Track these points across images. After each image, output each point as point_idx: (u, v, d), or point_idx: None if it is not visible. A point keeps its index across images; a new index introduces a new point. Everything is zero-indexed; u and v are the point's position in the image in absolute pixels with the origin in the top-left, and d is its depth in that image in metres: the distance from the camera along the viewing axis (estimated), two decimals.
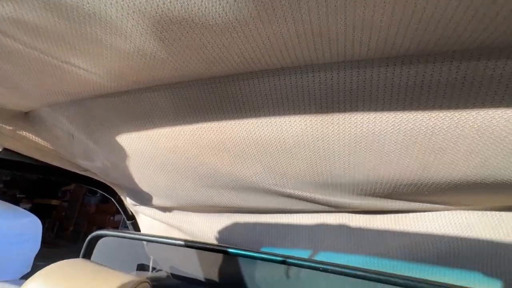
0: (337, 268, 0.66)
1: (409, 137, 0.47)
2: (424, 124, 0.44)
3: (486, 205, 0.67)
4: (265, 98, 0.50)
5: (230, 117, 0.55)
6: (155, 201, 0.93)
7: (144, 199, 0.95)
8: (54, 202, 6.16)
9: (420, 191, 0.60)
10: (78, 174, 0.99)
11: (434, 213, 0.73)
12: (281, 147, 0.57)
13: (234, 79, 0.49)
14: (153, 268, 1.33)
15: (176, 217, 1.01)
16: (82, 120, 0.68)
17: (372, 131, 0.48)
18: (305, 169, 0.61)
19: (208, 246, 0.82)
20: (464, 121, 0.41)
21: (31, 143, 0.82)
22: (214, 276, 1.01)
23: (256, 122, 0.54)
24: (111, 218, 5.60)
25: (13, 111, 0.71)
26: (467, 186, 0.54)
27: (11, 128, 0.75)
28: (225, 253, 0.78)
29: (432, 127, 0.43)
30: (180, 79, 0.50)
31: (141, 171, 0.79)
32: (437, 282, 0.61)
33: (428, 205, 0.69)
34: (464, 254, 0.68)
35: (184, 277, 1.12)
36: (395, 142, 0.48)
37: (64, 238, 5.65)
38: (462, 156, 0.47)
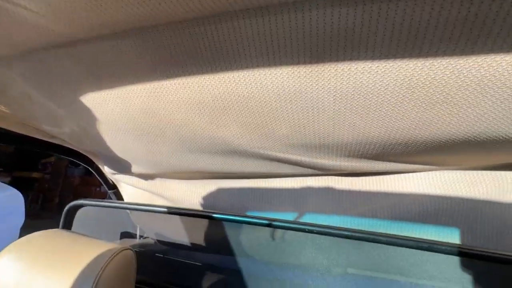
0: (322, 229, 0.66)
1: (404, 91, 0.43)
2: (423, 75, 0.39)
3: (470, 164, 0.67)
4: (246, 45, 0.43)
5: (204, 70, 0.49)
6: (134, 168, 0.88)
7: (123, 166, 0.90)
8: (35, 175, 5.96)
9: (408, 151, 0.58)
10: (47, 141, 0.91)
11: (418, 173, 0.73)
12: (263, 104, 0.52)
13: (210, 21, 0.41)
14: (140, 236, 1.33)
15: (158, 184, 0.97)
16: (36, 77, 0.59)
17: (366, 85, 0.43)
18: (289, 129, 0.56)
19: (192, 212, 0.79)
20: (468, 69, 0.37)
21: None
22: (201, 241, 1.02)
23: (235, 76, 0.48)
24: (97, 189, 5.53)
25: None
26: (457, 144, 0.52)
27: None
28: (211, 218, 0.77)
29: (432, 78, 0.39)
30: (144, 22, 0.42)
31: (115, 136, 0.72)
32: (417, 238, 0.63)
33: (414, 166, 0.69)
34: (446, 212, 0.70)
35: (171, 243, 1.12)
36: (389, 97, 0.44)
37: (50, 209, 5.59)
38: (458, 110, 0.44)
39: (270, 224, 0.71)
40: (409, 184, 0.73)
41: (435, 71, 0.38)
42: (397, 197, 0.74)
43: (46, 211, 5.52)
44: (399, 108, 0.46)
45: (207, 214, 0.77)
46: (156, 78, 0.53)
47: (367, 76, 0.42)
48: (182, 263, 1.02)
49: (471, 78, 0.38)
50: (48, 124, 0.76)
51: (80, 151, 1.00)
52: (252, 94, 0.50)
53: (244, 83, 0.49)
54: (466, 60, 0.36)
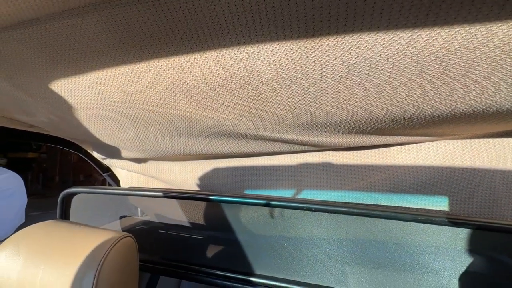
0: (320, 206, 0.65)
1: (413, 65, 0.37)
2: (437, 46, 0.34)
3: (471, 133, 0.64)
4: (231, 20, 0.36)
5: (187, 50, 0.42)
6: (124, 153, 0.84)
7: (112, 152, 0.86)
8: (31, 155, 5.92)
9: (411, 125, 0.55)
10: (29, 131, 0.85)
11: (417, 144, 0.70)
12: (255, 85, 0.46)
13: None
14: (142, 213, 1.35)
15: (152, 166, 0.94)
16: None
17: (369, 58, 0.38)
18: (286, 109, 0.52)
19: (190, 195, 0.78)
20: (490, 38, 0.31)
21: None
22: (201, 220, 1.03)
23: (222, 54, 0.42)
24: None
25: None
26: (464, 116, 0.48)
27: None
28: (208, 200, 0.76)
29: (446, 49, 0.34)
30: None
31: (96, 123, 0.67)
32: (415, 210, 0.63)
33: (414, 138, 0.66)
34: (445, 181, 0.69)
35: (171, 220, 1.14)
36: (395, 71, 0.39)
37: (53, 188, 5.68)
38: (471, 83, 0.39)
39: (268, 204, 0.70)
40: (407, 156, 0.71)
41: (450, 42, 0.33)
42: (395, 169, 0.72)
43: (49, 190, 5.61)
44: (405, 83, 0.41)
45: (204, 196, 0.76)
46: (130, 60, 0.47)
47: (371, 49, 0.36)
48: (184, 238, 1.04)
49: (492, 48, 0.33)
50: (22, 114, 0.70)
51: (66, 138, 0.95)
52: (242, 74, 0.45)
53: (232, 63, 0.43)
54: (490, 27, 0.31)
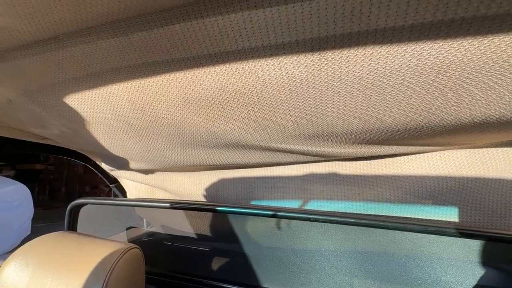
0: (327, 217, 0.65)
1: (418, 76, 0.38)
2: (441, 58, 0.35)
3: (478, 143, 0.64)
4: (239, 35, 0.38)
5: (196, 64, 0.44)
6: (132, 165, 0.85)
7: (120, 163, 0.87)
8: (39, 166, 6.01)
9: (418, 135, 0.55)
10: (39, 143, 0.88)
11: (424, 154, 0.70)
12: (263, 97, 0.47)
13: (195, 10, 0.36)
14: (148, 224, 1.35)
15: (159, 178, 0.95)
16: (11, 80, 0.54)
17: (375, 71, 0.39)
18: (293, 120, 0.53)
19: (196, 206, 0.78)
20: (493, 50, 0.32)
21: None
22: (207, 227, 1.02)
23: (231, 68, 0.43)
24: None
25: None
26: (471, 126, 0.48)
27: None
28: (214, 211, 0.76)
29: (450, 61, 0.35)
30: (122, 15, 0.37)
31: (107, 135, 0.68)
32: (424, 221, 0.62)
33: (421, 148, 0.66)
34: (453, 191, 0.68)
35: (177, 231, 1.13)
36: (400, 83, 0.40)
37: (59, 199, 5.72)
38: (476, 93, 0.39)
39: (275, 215, 0.70)
40: (415, 165, 0.71)
41: (454, 54, 0.34)
42: (403, 179, 0.72)
43: (55, 201, 5.65)
44: (411, 94, 0.42)
45: (210, 207, 0.76)
46: (142, 74, 0.48)
47: (376, 62, 0.37)
48: (190, 250, 1.03)
49: (495, 59, 0.33)
50: (35, 127, 0.72)
51: (76, 150, 0.97)
52: (250, 87, 0.46)
53: (241, 76, 0.44)
54: (492, 39, 0.31)
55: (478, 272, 0.64)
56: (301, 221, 0.80)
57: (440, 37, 0.33)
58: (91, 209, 0.97)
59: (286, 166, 0.81)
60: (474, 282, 0.65)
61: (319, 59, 0.39)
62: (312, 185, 0.78)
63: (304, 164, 0.79)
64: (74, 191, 5.72)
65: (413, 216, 0.70)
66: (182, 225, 1.09)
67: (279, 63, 0.41)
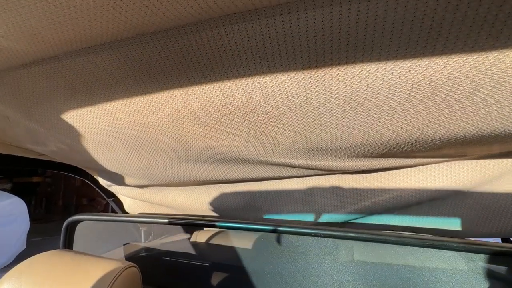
0: (328, 232, 0.63)
1: (414, 92, 0.38)
2: (437, 75, 0.35)
3: (481, 153, 0.64)
4: (238, 53, 0.38)
5: (195, 81, 0.44)
6: (130, 181, 0.84)
7: (118, 179, 0.87)
8: (36, 179, 5.95)
9: (416, 148, 0.55)
10: (36, 159, 0.87)
11: (422, 166, 0.70)
12: (261, 114, 0.48)
13: (194, 30, 0.36)
14: (146, 238, 1.32)
15: (158, 193, 0.94)
16: (10, 98, 0.54)
17: (372, 87, 0.39)
18: (291, 136, 0.53)
19: (193, 222, 0.77)
20: (488, 67, 0.33)
21: None
22: (205, 247, 1.00)
23: (229, 86, 0.43)
24: None
25: None
26: (470, 139, 0.48)
27: None
28: (213, 226, 0.74)
29: (446, 77, 0.35)
30: (122, 35, 0.37)
31: (105, 151, 0.68)
32: (422, 236, 0.61)
33: (422, 160, 0.66)
34: (455, 202, 0.67)
35: (174, 251, 1.11)
36: (397, 99, 0.40)
37: (55, 212, 5.63)
38: (474, 108, 0.40)
39: (275, 230, 0.69)
40: (413, 178, 0.71)
41: (449, 71, 0.34)
42: (403, 191, 0.71)
43: (52, 214, 5.56)
44: (408, 109, 0.42)
45: (209, 222, 0.75)
46: (140, 91, 0.49)
47: (373, 78, 0.38)
48: (189, 266, 1.01)
49: (490, 76, 0.34)
50: (33, 143, 0.71)
51: (74, 165, 0.97)
52: (249, 104, 0.46)
53: (239, 92, 0.45)
54: (486, 57, 0.32)
55: (483, 286, 0.63)
56: (302, 236, 0.79)
57: (435, 54, 0.33)
58: (88, 225, 0.95)
59: (286, 180, 0.80)
60: None
61: (315, 76, 0.39)
62: (312, 197, 0.77)
63: (304, 178, 0.78)
64: (71, 203, 5.64)
65: (413, 226, 0.69)
66: (180, 239, 1.07)
67: (276, 80, 0.41)
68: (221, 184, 0.87)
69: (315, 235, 0.64)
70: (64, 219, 0.88)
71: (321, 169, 0.68)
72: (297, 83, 0.41)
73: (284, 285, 0.80)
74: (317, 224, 0.74)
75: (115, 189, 0.98)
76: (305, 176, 0.76)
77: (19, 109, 0.57)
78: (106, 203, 5.44)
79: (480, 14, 0.28)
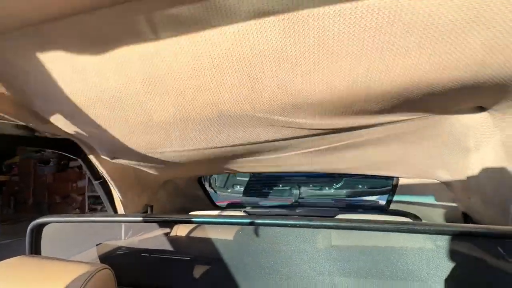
0: (305, 222, 0.65)
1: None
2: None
3: (448, 109, 0.66)
4: None
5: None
6: (132, 141, 0.82)
7: (119, 147, 0.83)
8: (1, 177, 5.55)
9: (378, 103, 0.58)
10: (30, 136, 0.84)
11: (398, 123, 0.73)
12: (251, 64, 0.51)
13: None
14: (126, 234, 1.27)
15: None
16: (35, 52, 0.55)
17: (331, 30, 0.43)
18: (272, 91, 0.56)
19: (169, 219, 0.75)
20: None
21: None
22: (184, 242, 0.99)
23: (204, 37, 0.47)
24: (73, 185, 5.26)
25: None
26: (430, 92, 0.52)
27: None
28: (190, 222, 0.73)
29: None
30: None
31: (113, 112, 0.68)
32: (398, 222, 0.64)
33: (395, 116, 0.68)
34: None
35: (151, 248, 1.09)
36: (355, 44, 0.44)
37: (26, 211, 5.32)
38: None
39: (252, 223, 0.69)
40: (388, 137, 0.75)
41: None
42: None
43: (22, 213, 5.25)
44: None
45: (186, 219, 0.73)
46: (152, 46, 0.51)
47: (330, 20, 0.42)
48: (166, 263, 0.99)
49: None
50: (43, 101, 0.70)
51: (73, 139, 0.93)
52: (244, 55, 0.50)
53: (235, 45, 0.48)
54: None
55: (449, 265, 0.68)
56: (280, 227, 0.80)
57: None
58: (57, 226, 0.89)
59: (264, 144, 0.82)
60: (446, 274, 0.68)
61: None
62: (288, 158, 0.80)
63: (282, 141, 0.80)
64: (43, 201, 5.34)
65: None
66: (159, 234, 1.05)
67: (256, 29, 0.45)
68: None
69: (292, 225, 0.65)
70: (35, 218, 0.83)
71: (300, 127, 0.70)
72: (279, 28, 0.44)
73: (264, 275, 0.81)
74: (293, 216, 0.76)
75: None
76: (286, 139, 0.78)
77: (41, 64, 0.58)
78: (82, 199, 5.19)
79: None
